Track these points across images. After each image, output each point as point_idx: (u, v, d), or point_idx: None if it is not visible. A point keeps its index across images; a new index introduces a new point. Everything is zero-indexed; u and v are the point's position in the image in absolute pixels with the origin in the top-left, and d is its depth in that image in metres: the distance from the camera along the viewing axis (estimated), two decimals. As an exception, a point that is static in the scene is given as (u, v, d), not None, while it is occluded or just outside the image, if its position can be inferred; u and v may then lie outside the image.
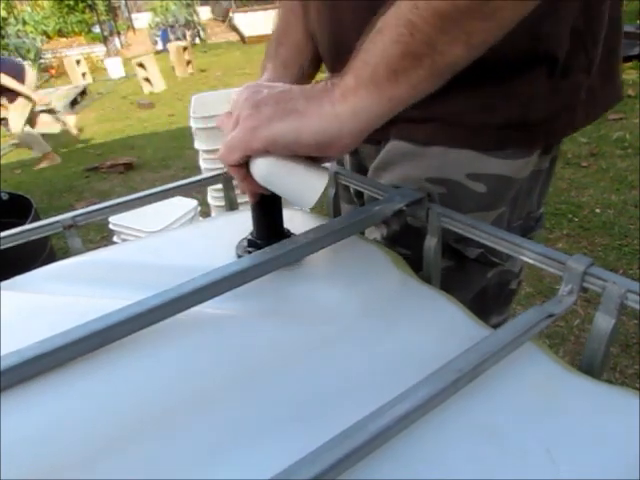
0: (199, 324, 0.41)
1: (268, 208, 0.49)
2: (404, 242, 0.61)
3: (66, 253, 0.53)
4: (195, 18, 9.80)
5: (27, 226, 0.52)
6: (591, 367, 0.41)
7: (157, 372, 0.38)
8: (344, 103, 0.40)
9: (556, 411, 0.34)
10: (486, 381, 0.35)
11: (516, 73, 0.52)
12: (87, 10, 11.00)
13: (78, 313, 0.37)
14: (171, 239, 0.57)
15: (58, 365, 0.36)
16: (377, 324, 0.43)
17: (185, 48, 7.01)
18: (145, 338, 0.38)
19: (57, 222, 0.53)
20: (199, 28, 9.67)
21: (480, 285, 0.64)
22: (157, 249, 0.54)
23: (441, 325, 0.44)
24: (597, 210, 2.39)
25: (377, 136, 0.59)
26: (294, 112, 0.41)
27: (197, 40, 9.52)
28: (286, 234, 0.51)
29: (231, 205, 0.67)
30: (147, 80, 6.10)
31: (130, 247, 0.56)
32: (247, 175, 0.45)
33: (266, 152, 0.43)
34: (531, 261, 0.45)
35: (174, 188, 0.61)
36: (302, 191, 0.43)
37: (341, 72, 0.41)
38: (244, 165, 0.45)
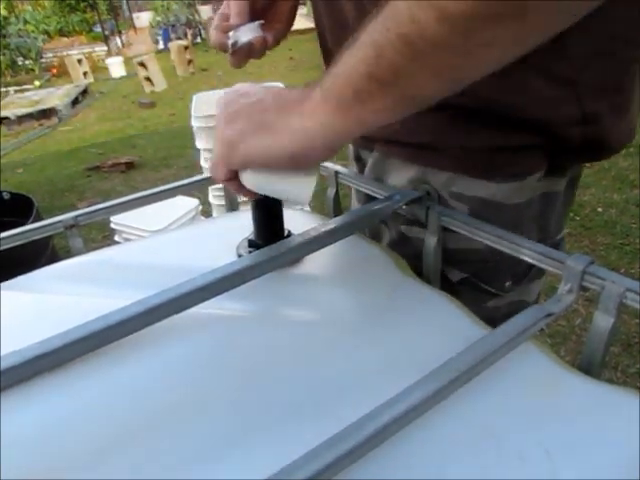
0: (199, 324, 0.41)
1: (268, 209, 0.49)
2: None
3: (68, 252, 0.53)
4: (196, 17, 9.78)
5: (28, 226, 0.52)
6: (590, 366, 0.41)
7: (157, 371, 0.38)
8: (312, 118, 0.39)
9: (555, 411, 0.34)
10: (485, 381, 0.35)
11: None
12: (88, 9, 10.99)
13: (79, 313, 0.37)
14: (172, 239, 0.58)
15: (58, 365, 0.36)
16: (376, 324, 0.43)
17: (186, 47, 7.00)
18: (145, 338, 0.38)
19: (59, 222, 0.53)
20: (200, 27, 9.65)
21: (482, 315, 0.55)
22: (158, 249, 0.54)
23: (441, 325, 0.44)
24: (599, 209, 2.39)
25: (368, 145, 0.59)
26: (265, 127, 0.41)
27: (198, 39, 9.50)
28: (286, 234, 0.51)
29: (232, 205, 0.67)
30: (148, 79, 6.09)
31: (131, 247, 0.56)
32: (240, 185, 0.45)
33: (246, 167, 0.43)
34: (531, 260, 0.45)
35: (175, 188, 0.61)
36: (294, 192, 0.44)
37: (317, 81, 0.40)
38: (234, 177, 0.45)
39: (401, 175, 0.56)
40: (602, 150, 0.54)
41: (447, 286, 0.55)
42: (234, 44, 0.51)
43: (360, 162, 0.68)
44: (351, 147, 0.68)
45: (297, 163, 0.41)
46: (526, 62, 0.35)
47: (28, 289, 0.47)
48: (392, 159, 0.57)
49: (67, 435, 0.33)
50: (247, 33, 0.51)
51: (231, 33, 0.52)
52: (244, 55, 0.54)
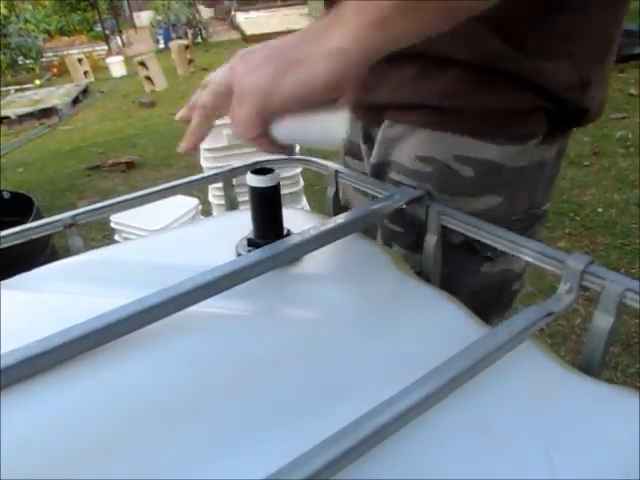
0: (198, 323, 0.41)
1: (267, 207, 0.49)
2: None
3: (68, 251, 0.53)
4: (197, 17, 9.79)
5: (27, 225, 0.52)
6: (590, 366, 0.41)
7: (156, 371, 0.38)
8: (343, 36, 0.38)
9: (555, 410, 0.34)
10: (484, 380, 0.35)
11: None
12: (89, 9, 11.00)
13: (78, 312, 0.37)
14: (171, 238, 0.58)
15: (57, 364, 0.36)
16: (376, 323, 0.43)
17: (187, 47, 7.00)
18: (144, 337, 0.38)
19: (58, 221, 0.53)
20: (201, 27, 9.66)
21: (476, 281, 0.63)
22: (157, 248, 0.54)
23: (440, 324, 0.44)
24: (599, 209, 2.39)
25: (377, 117, 0.59)
26: (296, 63, 0.39)
27: (199, 39, 9.50)
28: (286, 233, 0.51)
29: (231, 204, 0.67)
30: (148, 79, 6.09)
31: (130, 246, 0.56)
32: (271, 141, 0.44)
33: (284, 113, 0.41)
34: (530, 259, 0.45)
35: (175, 187, 0.61)
36: (330, 133, 0.42)
37: (342, 4, 0.39)
38: (265, 133, 0.43)
39: (409, 144, 0.57)
40: (585, 118, 0.58)
41: (447, 249, 0.57)
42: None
43: (369, 141, 0.67)
44: (360, 130, 0.67)
45: (331, 90, 0.40)
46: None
47: (27, 288, 0.47)
48: (401, 126, 0.58)
49: (66, 434, 0.33)
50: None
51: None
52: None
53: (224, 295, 0.41)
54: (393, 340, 0.41)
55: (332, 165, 0.65)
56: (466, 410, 0.34)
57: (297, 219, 0.57)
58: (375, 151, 0.62)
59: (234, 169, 0.64)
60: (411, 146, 0.58)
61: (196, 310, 0.40)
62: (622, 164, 2.85)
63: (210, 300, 0.40)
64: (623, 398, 0.35)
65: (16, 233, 0.51)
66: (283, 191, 0.50)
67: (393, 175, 0.61)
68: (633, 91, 3.86)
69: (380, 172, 0.62)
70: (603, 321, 0.40)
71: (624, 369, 1.56)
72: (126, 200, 0.58)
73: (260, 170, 0.47)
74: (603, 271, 0.40)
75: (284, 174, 1.77)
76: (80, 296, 0.45)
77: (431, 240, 0.53)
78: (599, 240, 2.19)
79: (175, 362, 0.38)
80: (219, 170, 0.64)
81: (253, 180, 0.46)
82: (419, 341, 0.41)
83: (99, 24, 10.22)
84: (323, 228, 0.47)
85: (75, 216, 0.54)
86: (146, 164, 3.69)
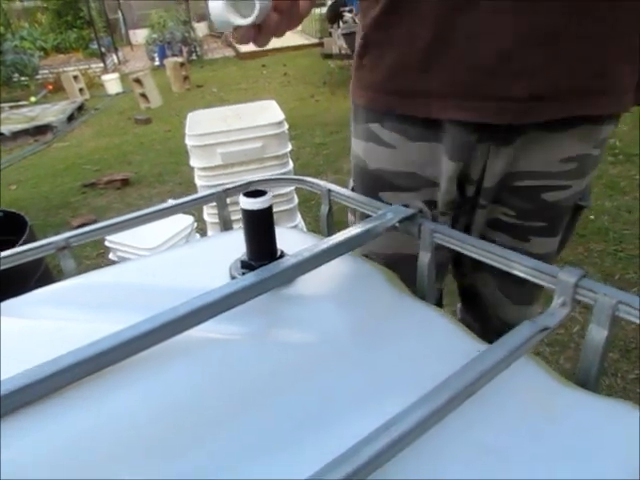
0: (192, 347, 0.41)
1: (260, 229, 0.49)
2: None
3: (61, 271, 0.52)
4: (192, 34, 9.88)
5: (19, 248, 0.52)
6: (587, 380, 0.41)
7: (152, 396, 0.37)
8: None
9: (554, 426, 0.34)
10: (483, 398, 0.34)
11: None
12: (85, 26, 11.08)
13: (72, 339, 0.37)
14: (166, 260, 0.57)
15: (49, 394, 0.35)
16: (373, 344, 0.43)
17: (182, 64, 7.05)
18: (138, 362, 0.38)
19: (50, 244, 0.53)
20: (196, 44, 9.75)
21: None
22: (152, 271, 0.54)
23: (437, 342, 0.44)
24: (591, 216, 2.41)
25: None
26: None
27: (194, 56, 9.58)
28: (279, 254, 0.51)
29: (225, 224, 0.67)
30: (143, 96, 6.12)
31: (124, 269, 0.56)
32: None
33: None
34: (522, 274, 0.45)
35: (169, 208, 0.61)
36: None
37: None
38: None
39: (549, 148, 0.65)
40: None
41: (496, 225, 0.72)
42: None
43: (459, 162, 0.65)
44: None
45: None
46: None
47: (19, 313, 0.46)
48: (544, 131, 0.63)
49: (57, 466, 0.32)
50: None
51: None
52: (272, 30, 0.50)
53: (219, 318, 0.41)
54: (390, 360, 0.41)
55: (325, 184, 0.65)
56: (465, 430, 0.34)
57: (291, 239, 0.58)
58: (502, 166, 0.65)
59: (227, 190, 0.64)
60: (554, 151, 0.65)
61: (190, 334, 0.40)
62: (612, 171, 2.89)
63: (205, 324, 0.40)
64: (622, 412, 0.35)
65: (8, 257, 0.51)
66: (277, 208, 0.51)
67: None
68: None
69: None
70: (597, 334, 0.40)
71: (624, 375, 1.55)
72: (120, 222, 0.58)
73: (253, 192, 0.47)
74: (595, 284, 0.40)
75: (278, 191, 1.77)
76: (73, 322, 0.44)
77: (424, 257, 0.53)
78: (593, 247, 2.21)
79: (170, 387, 0.38)
80: (212, 191, 0.64)
81: (246, 203, 0.46)
82: (416, 360, 0.41)
83: (95, 42, 10.29)
84: (317, 249, 0.47)
85: (68, 238, 0.54)
86: (141, 181, 3.68)
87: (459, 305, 0.97)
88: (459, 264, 0.85)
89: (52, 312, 0.46)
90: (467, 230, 0.75)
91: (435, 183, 0.68)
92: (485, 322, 0.87)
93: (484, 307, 0.85)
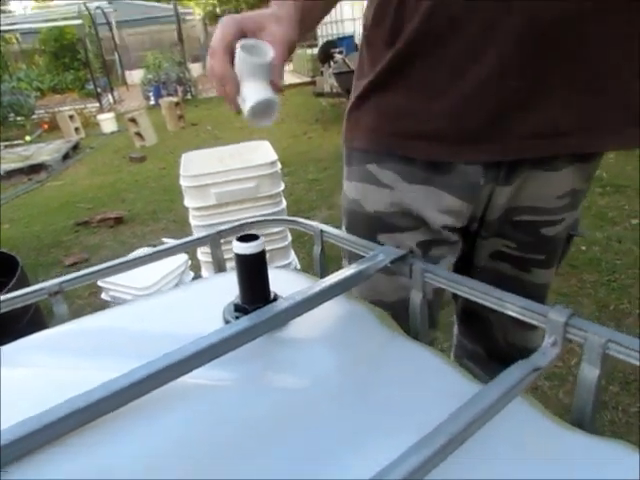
0: (185, 393, 0.40)
1: (254, 273, 0.49)
2: None
3: (52, 311, 0.52)
4: (187, 75, 10.12)
5: (11, 295, 0.51)
6: (582, 419, 0.41)
7: (144, 446, 0.36)
8: None
9: (551, 471, 0.34)
10: (477, 441, 0.34)
11: None
12: (82, 67, 11.32)
13: (67, 388, 0.36)
14: (160, 304, 0.57)
15: (42, 445, 0.34)
16: (366, 386, 0.43)
17: (177, 103, 7.20)
18: (133, 411, 0.37)
19: (43, 289, 0.53)
20: (190, 84, 9.97)
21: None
22: (146, 315, 0.53)
23: (430, 383, 0.44)
24: (583, 247, 2.44)
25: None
26: None
27: (189, 95, 9.78)
28: (273, 297, 0.51)
29: (219, 265, 0.67)
30: (139, 134, 6.21)
31: (118, 314, 0.55)
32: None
33: None
34: (514, 314, 0.46)
35: (163, 251, 0.61)
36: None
37: None
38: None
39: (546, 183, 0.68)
40: None
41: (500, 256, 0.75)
42: (248, 110, 0.51)
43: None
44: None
45: None
46: None
47: (13, 361, 0.45)
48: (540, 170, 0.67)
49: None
50: (255, 93, 0.51)
51: (240, 94, 0.52)
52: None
53: (211, 364, 0.41)
54: (383, 404, 0.41)
55: (317, 225, 0.66)
56: (461, 473, 0.33)
57: (284, 280, 0.58)
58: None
59: (220, 232, 0.65)
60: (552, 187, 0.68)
61: (184, 380, 0.39)
62: (600, 202, 2.95)
63: (197, 370, 0.40)
64: (621, 454, 0.35)
65: (0, 302, 0.51)
66: (270, 246, 0.51)
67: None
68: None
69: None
70: (590, 372, 0.40)
71: (625, 409, 1.53)
72: (114, 265, 0.58)
73: (246, 236, 0.48)
74: (585, 323, 0.40)
75: (271, 230, 1.78)
76: (67, 370, 0.43)
77: (416, 297, 0.54)
78: (586, 278, 2.22)
79: (162, 437, 0.37)
80: (206, 233, 0.65)
81: (239, 248, 0.46)
82: (409, 403, 0.41)
83: (91, 82, 10.50)
84: (310, 292, 0.47)
85: (62, 283, 0.54)
86: (135, 219, 3.69)
87: (456, 327, 0.96)
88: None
89: (46, 360, 0.45)
90: (469, 261, 0.78)
91: (434, 223, 0.69)
92: (489, 344, 0.88)
93: (488, 329, 0.85)
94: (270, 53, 0.51)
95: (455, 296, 0.89)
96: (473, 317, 0.88)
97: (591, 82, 0.58)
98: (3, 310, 0.50)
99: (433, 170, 0.66)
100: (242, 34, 0.52)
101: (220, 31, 0.52)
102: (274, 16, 0.54)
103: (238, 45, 0.51)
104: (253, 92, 0.50)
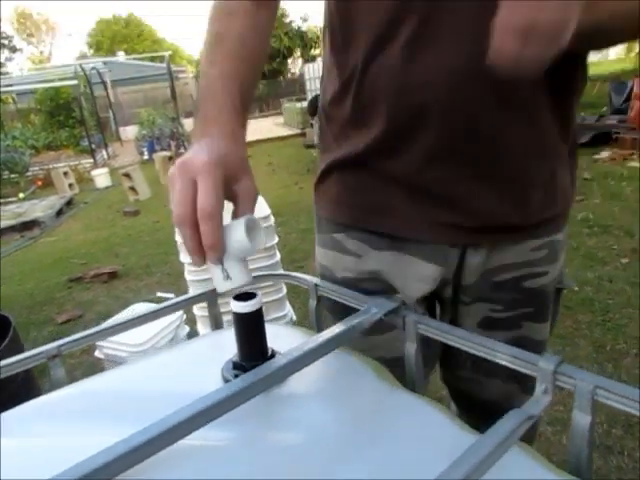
0: (186, 456, 0.40)
1: (251, 331, 0.50)
2: None
3: (44, 371, 0.52)
4: (180, 130, 10.36)
5: (7, 361, 0.51)
6: (579, 466, 0.41)
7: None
8: None
9: None
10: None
11: None
12: (77, 125, 11.56)
13: (67, 455, 0.36)
14: (157, 364, 0.57)
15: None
16: (365, 440, 0.43)
17: (170, 157, 7.35)
18: (132, 477, 0.37)
19: (41, 353, 0.53)
20: (183, 139, 10.19)
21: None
22: (141, 378, 0.53)
23: (428, 434, 0.44)
24: (575, 288, 2.45)
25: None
26: None
27: (182, 149, 9.98)
28: (270, 354, 0.51)
29: (216, 323, 0.68)
30: (132, 189, 6.29)
31: (115, 376, 0.55)
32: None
33: None
34: (505, 363, 0.47)
35: (160, 310, 0.62)
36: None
37: None
38: None
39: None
40: None
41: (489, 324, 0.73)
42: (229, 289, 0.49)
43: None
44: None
45: None
46: None
47: (12, 430, 0.45)
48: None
49: None
50: (245, 275, 0.48)
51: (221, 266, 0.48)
52: None
53: (210, 425, 0.41)
54: (383, 458, 0.41)
55: (311, 279, 0.67)
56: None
57: (281, 336, 0.59)
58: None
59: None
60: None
61: (183, 442, 0.39)
62: (589, 243, 2.99)
63: (195, 432, 0.40)
64: None
65: (-2, 369, 0.51)
66: (266, 299, 0.52)
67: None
68: (587, 175, 4.14)
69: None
70: (582, 419, 0.40)
71: (631, 453, 1.50)
72: (111, 327, 0.58)
73: (242, 295, 0.49)
74: (574, 370, 0.41)
75: (267, 283, 1.78)
76: (67, 437, 0.43)
77: (411, 348, 0.55)
78: (580, 318, 2.23)
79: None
80: (202, 290, 0.66)
81: (236, 306, 0.48)
82: (408, 454, 0.41)
83: (86, 138, 10.70)
84: (306, 348, 0.48)
85: (60, 346, 0.54)
86: (129, 273, 3.68)
87: (452, 406, 0.91)
88: (450, 366, 0.83)
89: (46, 427, 0.44)
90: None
91: (403, 291, 0.69)
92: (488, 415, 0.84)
93: (487, 408, 0.79)
94: (264, 239, 0.51)
95: (450, 378, 0.85)
96: (471, 401, 0.83)
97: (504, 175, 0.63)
98: (3, 375, 0.50)
99: (400, 238, 0.67)
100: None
101: (212, 184, 0.47)
102: (244, 163, 0.52)
103: (241, 224, 0.48)
104: (239, 273, 0.48)
